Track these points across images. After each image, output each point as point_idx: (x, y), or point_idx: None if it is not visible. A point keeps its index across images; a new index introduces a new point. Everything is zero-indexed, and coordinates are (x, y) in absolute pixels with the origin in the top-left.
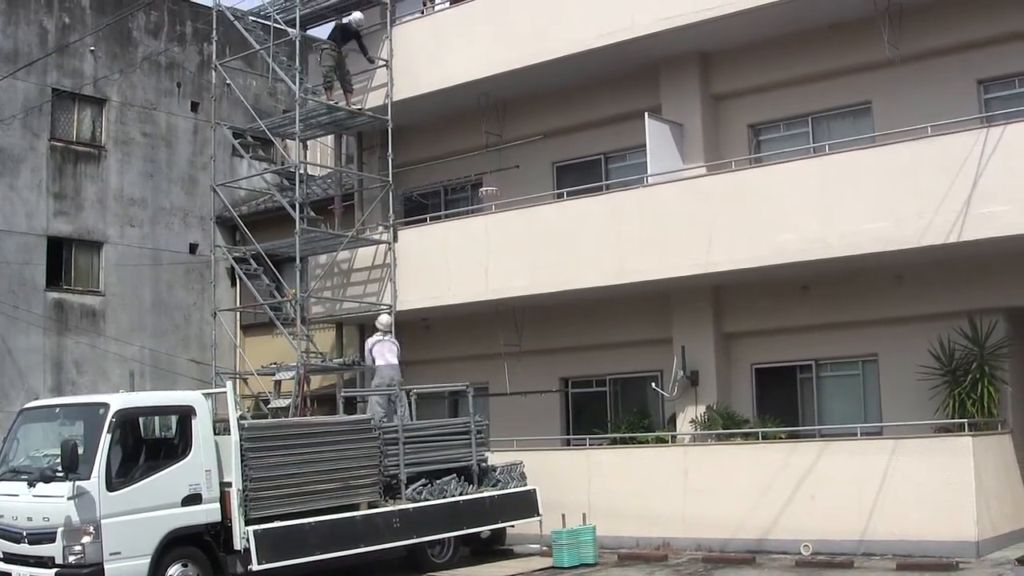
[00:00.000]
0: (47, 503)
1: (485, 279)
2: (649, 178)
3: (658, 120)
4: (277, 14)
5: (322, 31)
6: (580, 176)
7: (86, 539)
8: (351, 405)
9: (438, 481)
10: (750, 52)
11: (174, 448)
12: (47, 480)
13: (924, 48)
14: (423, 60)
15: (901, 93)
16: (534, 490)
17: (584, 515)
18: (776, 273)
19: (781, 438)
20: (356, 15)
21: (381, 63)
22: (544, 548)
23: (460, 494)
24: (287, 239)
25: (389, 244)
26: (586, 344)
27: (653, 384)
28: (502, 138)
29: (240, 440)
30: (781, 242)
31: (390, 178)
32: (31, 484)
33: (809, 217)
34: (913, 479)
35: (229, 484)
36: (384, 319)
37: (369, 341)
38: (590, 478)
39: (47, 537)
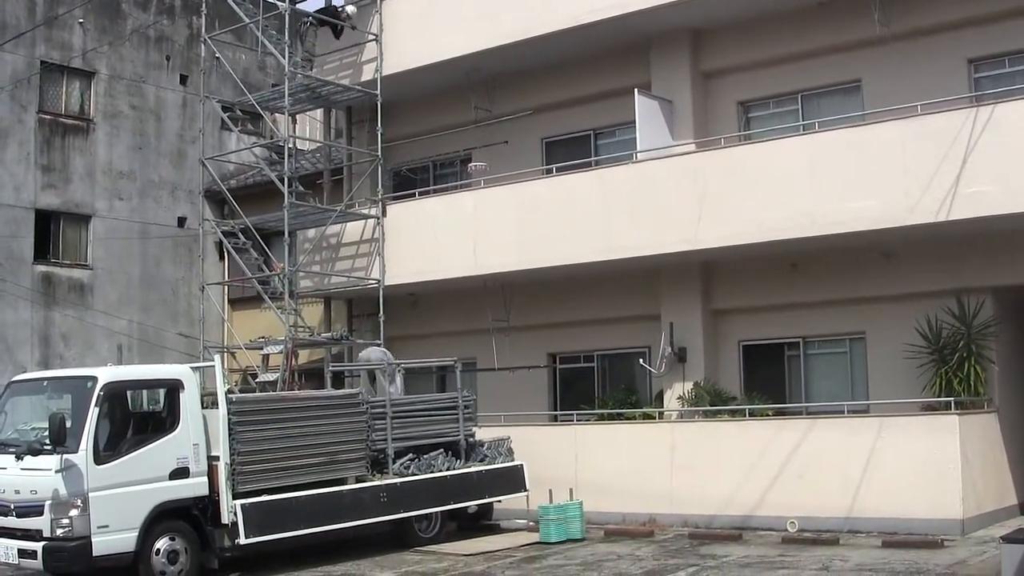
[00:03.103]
0: (35, 476)
1: (473, 254)
2: (638, 154)
3: (648, 96)
4: None
5: (310, 5)
6: (569, 152)
7: (74, 512)
8: (339, 379)
9: (425, 456)
10: (741, 29)
11: (162, 422)
12: (35, 453)
13: (914, 27)
14: (413, 35)
15: (891, 71)
16: (521, 465)
17: (571, 491)
18: (765, 250)
19: (768, 415)
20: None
21: (370, 37)
22: (531, 523)
23: (447, 469)
24: (276, 213)
25: (377, 219)
26: (574, 320)
27: (641, 360)
28: (491, 113)
29: (228, 414)
30: (770, 219)
31: (379, 153)
32: (19, 457)
33: (798, 195)
34: (899, 457)
35: (217, 458)
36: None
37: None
38: (577, 454)
39: (35, 510)
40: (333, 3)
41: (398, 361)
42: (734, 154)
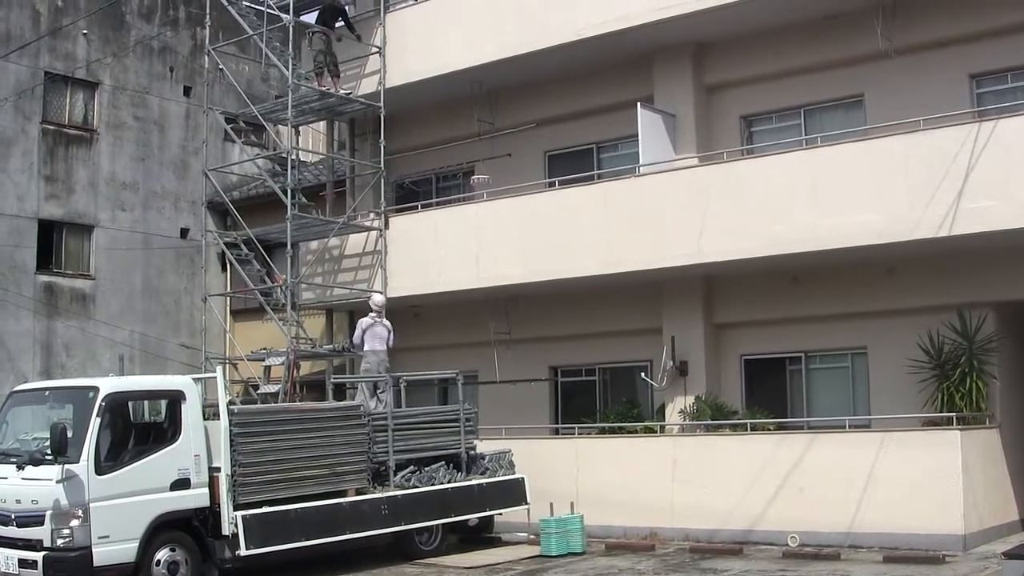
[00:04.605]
0: (36, 486)
1: (476, 267)
2: (641, 168)
3: (651, 110)
4: None
5: (313, 17)
6: (572, 165)
7: (75, 522)
8: (340, 391)
9: (426, 468)
10: (744, 43)
11: (163, 433)
12: (36, 463)
13: (917, 41)
14: (416, 47)
15: (894, 86)
16: (522, 478)
17: (572, 504)
18: (767, 264)
19: (769, 429)
20: None
21: (374, 50)
22: (532, 536)
23: (448, 482)
24: (278, 225)
25: (380, 231)
26: (576, 333)
27: (642, 374)
28: (494, 126)
29: (229, 425)
30: (772, 233)
31: (382, 165)
32: (20, 467)
33: (800, 209)
34: (901, 472)
35: (218, 469)
36: (377, 299)
37: (361, 322)
38: (579, 467)
39: (36, 520)
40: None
41: (399, 373)
42: (736, 168)
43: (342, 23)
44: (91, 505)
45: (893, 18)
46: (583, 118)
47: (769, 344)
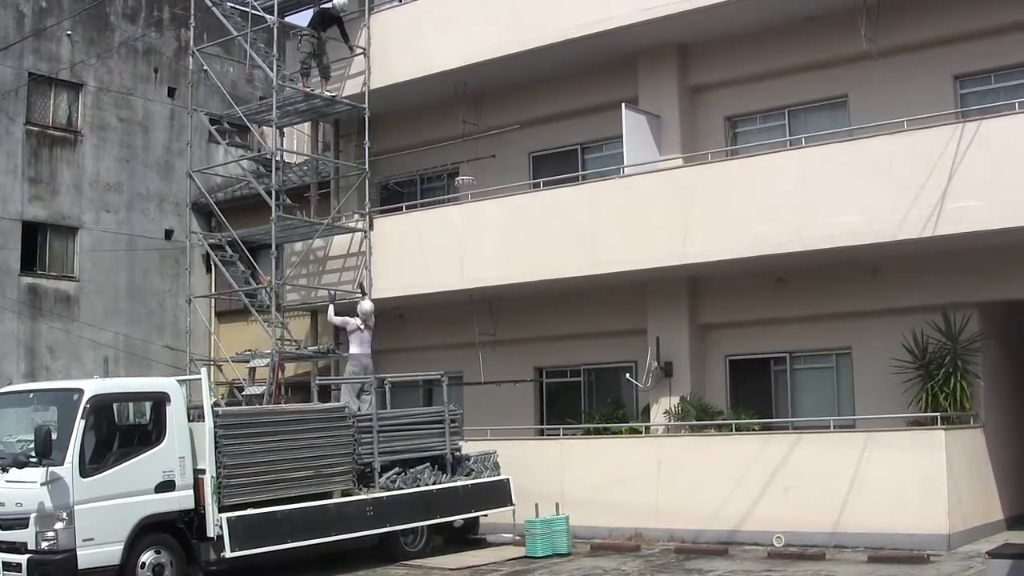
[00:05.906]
0: (20, 488)
1: (460, 268)
2: (625, 169)
3: (635, 111)
4: (255, 0)
5: (300, 18)
6: (556, 166)
7: (59, 525)
8: (325, 393)
9: (412, 470)
10: (728, 44)
11: (148, 435)
12: (20, 465)
13: (901, 42)
14: (401, 48)
15: (878, 87)
16: (507, 480)
17: (557, 505)
18: (752, 265)
19: (754, 430)
20: (338, 0)
21: (359, 51)
22: (517, 538)
23: (433, 483)
24: (263, 226)
25: (365, 232)
26: (561, 334)
27: (627, 375)
28: (479, 127)
29: (214, 427)
30: (757, 234)
31: (367, 166)
32: (4, 469)
33: (785, 210)
34: (885, 472)
35: (203, 471)
36: (365, 307)
37: (350, 322)
38: (564, 468)
39: (20, 523)
40: (324, 6)
41: (384, 375)
42: (721, 169)
43: (336, 31)
44: (76, 507)
45: (876, 19)
46: (568, 119)
47: (754, 344)
